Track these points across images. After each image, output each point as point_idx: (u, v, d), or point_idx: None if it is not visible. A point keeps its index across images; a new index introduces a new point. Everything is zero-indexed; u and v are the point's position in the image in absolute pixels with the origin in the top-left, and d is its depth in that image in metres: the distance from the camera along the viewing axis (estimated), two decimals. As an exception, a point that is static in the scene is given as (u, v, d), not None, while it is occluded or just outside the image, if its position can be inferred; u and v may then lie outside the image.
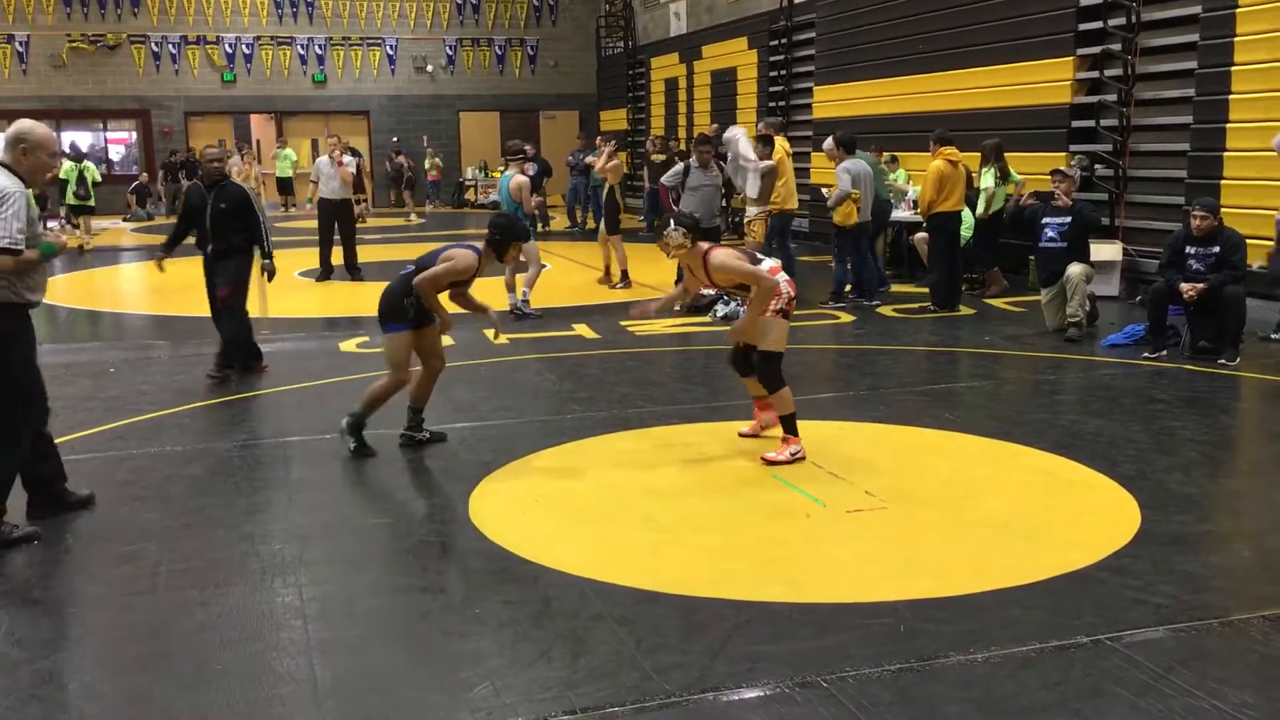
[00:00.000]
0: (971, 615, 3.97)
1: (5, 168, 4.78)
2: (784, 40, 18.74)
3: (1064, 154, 12.05)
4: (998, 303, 11.17)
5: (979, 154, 11.59)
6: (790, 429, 5.90)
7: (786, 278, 6.00)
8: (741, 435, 6.34)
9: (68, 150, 20.90)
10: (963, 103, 13.71)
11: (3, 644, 3.90)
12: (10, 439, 4.84)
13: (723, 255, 5.99)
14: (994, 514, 5.08)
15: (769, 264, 6.03)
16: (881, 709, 3.31)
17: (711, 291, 10.80)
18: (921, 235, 11.83)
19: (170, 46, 26.17)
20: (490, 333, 6.67)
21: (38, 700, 3.48)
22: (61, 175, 18.50)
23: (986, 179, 11.43)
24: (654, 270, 13.47)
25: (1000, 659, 3.62)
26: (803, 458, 5.82)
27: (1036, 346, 8.98)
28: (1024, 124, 12.67)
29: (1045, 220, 9.47)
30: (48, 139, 4.93)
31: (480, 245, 6.05)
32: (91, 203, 18.77)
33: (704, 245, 6.04)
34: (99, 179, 19.71)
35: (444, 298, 6.01)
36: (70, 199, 18.56)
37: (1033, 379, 8.03)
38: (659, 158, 19.16)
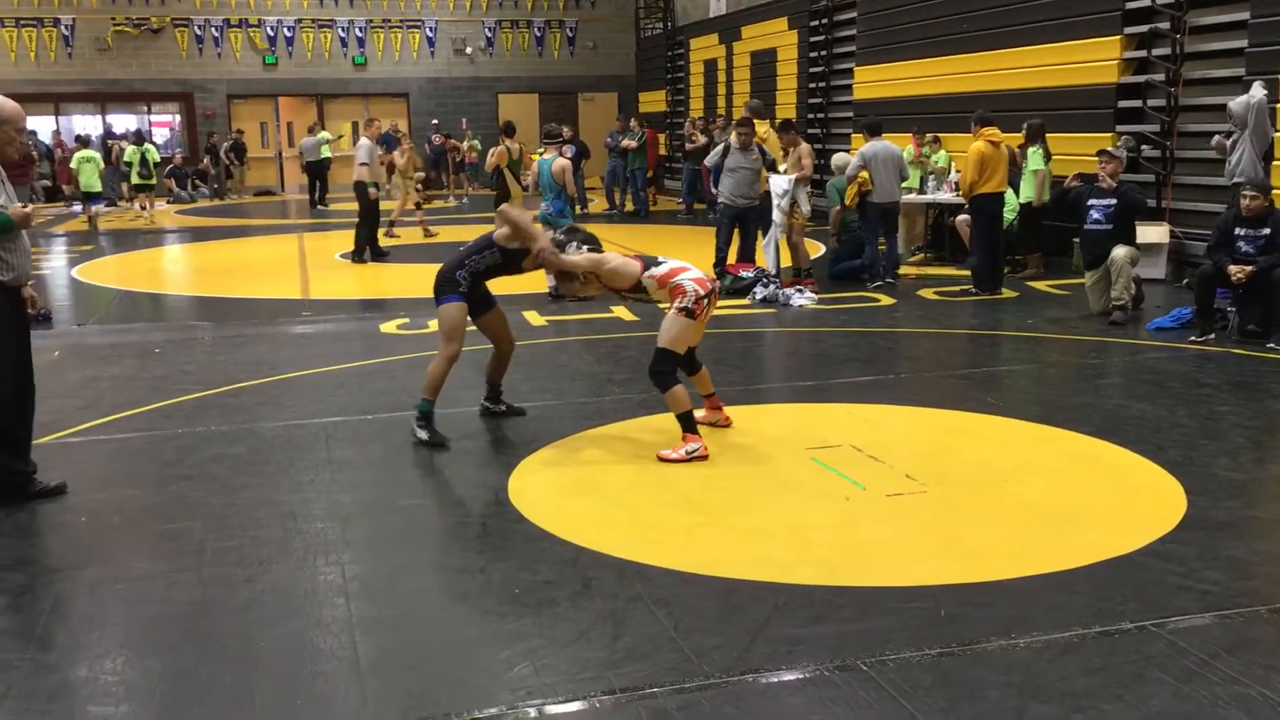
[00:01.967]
0: (1012, 600, 3.94)
1: None
2: (825, 20, 18.57)
3: (1110, 135, 11.86)
4: (1041, 285, 11.05)
5: (1022, 135, 11.46)
6: (687, 427, 5.70)
7: (696, 277, 5.78)
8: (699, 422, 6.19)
9: (128, 135, 22.42)
10: (1006, 83, 13.53)
11: (49, 619, 3.97)
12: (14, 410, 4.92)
13: (619, 264, 5.88)
14: (1036, 498, 5.03)
15: (669, 265, 5.85)
16: (921, 693, 3.29)
17: (750, 273, 10.79)
18: (963, 217, 11.73)
19: (213, 30, 26.35)
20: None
21: (85, 674, 3.54)
22: (126, 158, 20.40)
23: (1035, 160, 11.29)
24: (689, 253, 13.42)
25: (1042, 644, 3.59)
26: (703, 456, 5.60)
27: (1080, 330, 8.88)
28: (1069, 104, 12.48)
29: (1090, 202, 9.34)
30: (16, 114, 4.92)
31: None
32: (152, 181, 20.54)
33: (612, 255, 5.94)
34: (159, 160, 21.46)
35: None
36: (135, 179, 20.19)
37: (1076, 362, 7.94)
38: (699, 139, 19.10)
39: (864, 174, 11.06)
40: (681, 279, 5.76)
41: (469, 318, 6.13)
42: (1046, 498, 5.04)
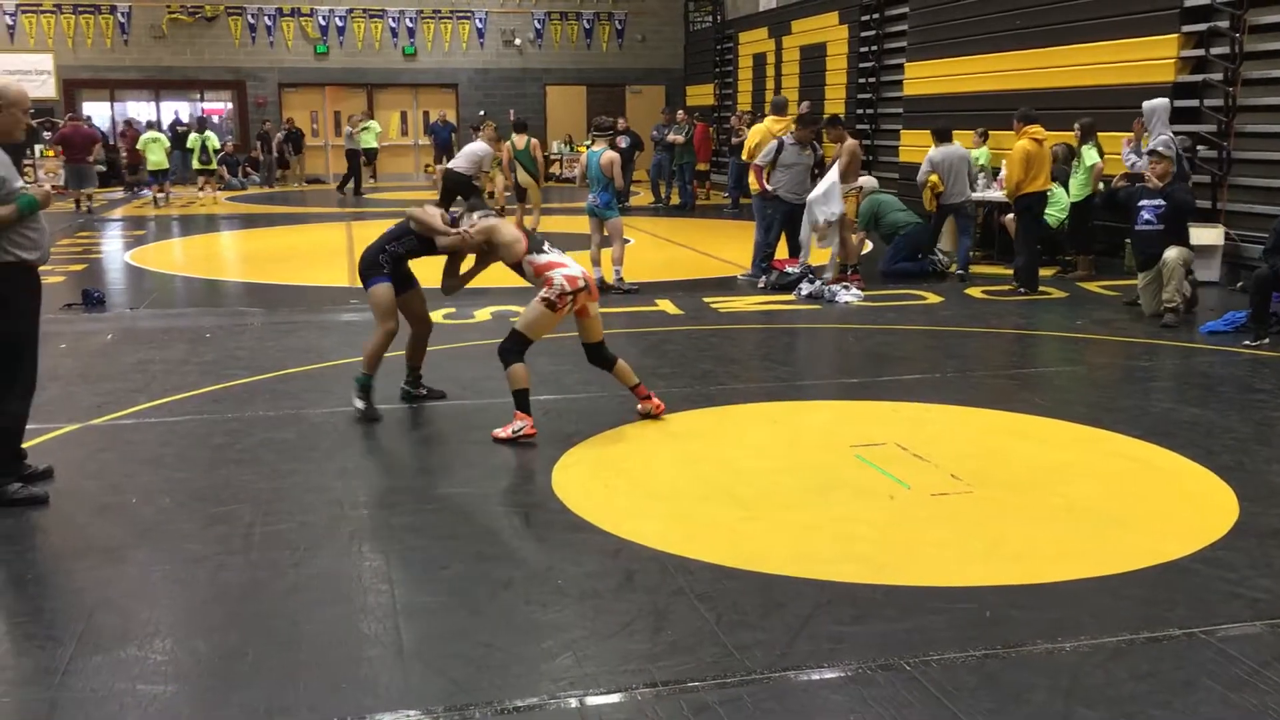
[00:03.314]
0: (1059, 603, 3.90)
1: None
2: (876, 15, 18.44)
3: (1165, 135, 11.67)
4: (1091, 286, 10.91)
5: (1074, 133, 11.32)
6: (520, 405, 5.90)
7: (570, 274, 5.95)
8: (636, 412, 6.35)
9: (191, 122, 23.90)
10: (1059, 80, 13.36)
11: (99, 599, 4.04)
12: (25, 390, 4.98)
13: (501, 226, 6.19)
14: (1083, 501, 4.98)
15: (550, 257, 6.05)
16: (965, 694, 3.27)
17: (796, 269, 10.74)
18: (1011, 216, 11.62)
19: (266, 19, 26.62)
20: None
21: (135, 653, 3.60)
22: (188, 144, 21.72)
23: (1090, 155, 11.15)
24: (735, 248, 13.41)
25: (1089, 648, 3.55)
26: (529, 435, 5.80)
27: (1131, 332, 8.76)
28: (1124, 103, 12.27)
29: (1142, 203, 9.21)
30: (21, 96, 4.99)
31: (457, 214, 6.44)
32: (213, 166, 21.87)
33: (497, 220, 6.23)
34: (219, 146, 22.84)
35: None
36: (196, 164, 21.52)
37: (1126, 365, 7.84)
38: (745, 134, 19.01)
39: (934, 177, 11.45)
40: (554, 272, 5.97)
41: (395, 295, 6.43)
42: (1094, 500, 4.99)
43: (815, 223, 10.42)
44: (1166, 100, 10.58)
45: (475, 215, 6.28)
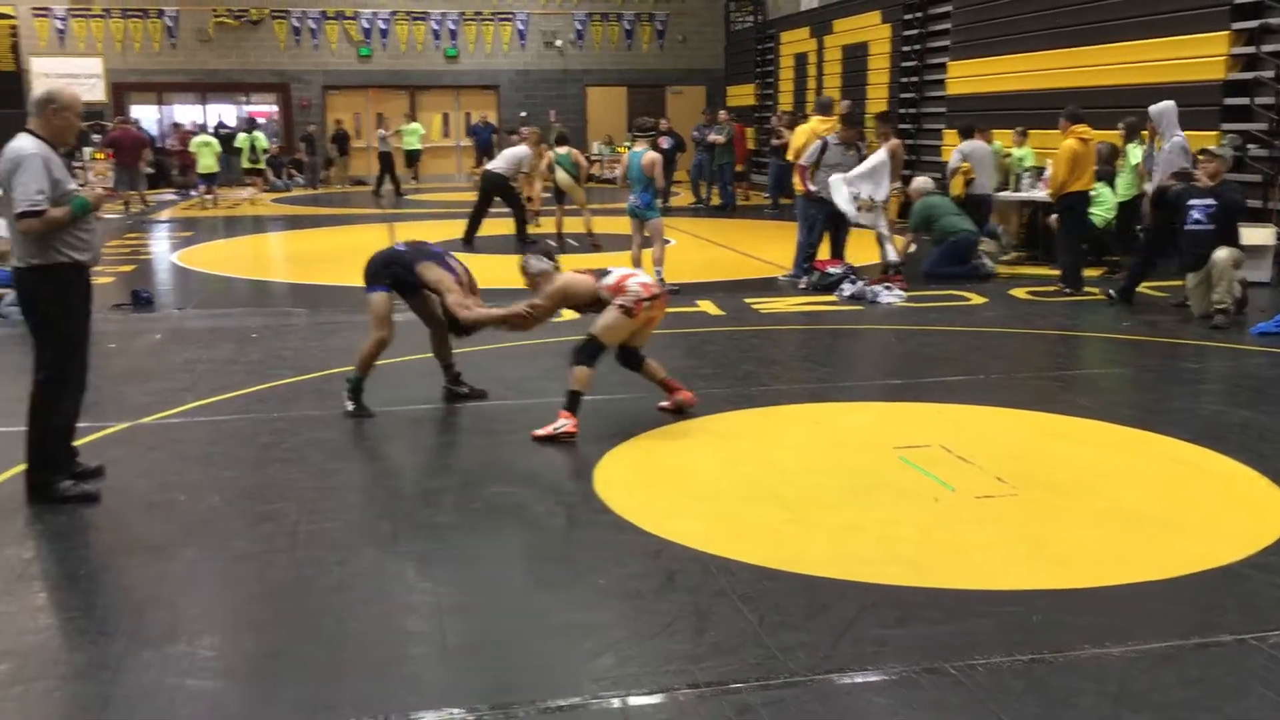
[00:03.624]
0: (1107, 607, 3.86)
1: (28, 132, 4.90)
2: (919, 14, 18.31)
3: (1214, 133, 11.51)
4: (1138, 287, 10.75)
5: (1119, 131, 11.19)
6: (570, 405, 5.89)
7: (643, 281, 6.04)
8: (660, 409, 6.35)
9: (235, 124, 24.87)
10: (1105, 79, 13.20)
11: (149, 595, 4.10)
12: (77, 389, 5.05)
13: (569, 280, 6.09)
14: (1131, 504, 4.92)
15: (618, 273, 6.08)
16: (1012, 699, 3.24)
17: (838, 270, 10.69)
18: (1056, 216, 11.50)
19: (310, 22, 26.89)
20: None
21: (184, 649, 3.64)
22: (237, 144, 22.55)
23: (1135, 155, 11.01)
24: (776, 248, 13.38)
25: (1137, 654, 3.51)
26: (571, 433, 5.78)
27: (1179, 333, 8.64)
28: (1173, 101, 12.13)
29: (1191, 202, 9.08)
30: (75, 100, 5.05)
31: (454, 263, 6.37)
32: (260, 165, 22.88)
33: (560, 275, 6.11)
34: (266, 146, 23.60)
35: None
36: (244, 163, 22.45)
37: (1174, 366, 7.73)
38: (787, 135, 18.94)
39: (966, 164, 12.33)
40: (628, 282, 6.02)
41: (402, 298, 6.51)
42: (1142, 504, 4.92)
43: (858, 195, 10.36)
44: (1172, 102, 10.57)
45: (534, 270, 6.10)
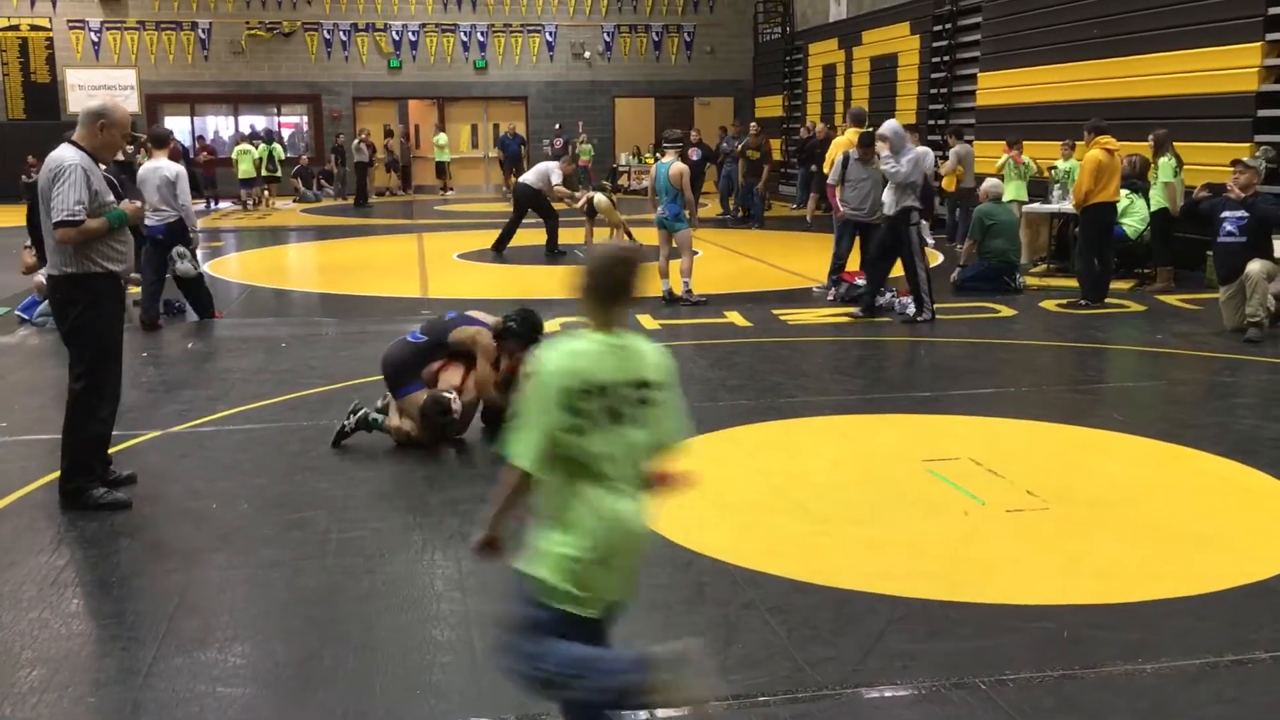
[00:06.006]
0: (1140, 623, 3.82)
1: (70, 143, 4.95)
2: (948, 25, 18.25)
3: (1248, 144, 11.41)
4: (1171, 300, 10.68)
5: (1148, 144, 11.10)
6: None
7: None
8: None
9: (255, 133, 25.35)
10: (1136, 90, 13.10)
11: (181, 601, 4.13)
12: (112, 397, 5.10)
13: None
14: (1163, 519, 4.87)
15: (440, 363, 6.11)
16: (1043, 715, 3.21)
17: (864, 282, 10.65)
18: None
19: (341, 34, 27.09)
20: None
21: (215, 656, 3.67)
22: (256, 154, 23.39)
23: (1166, 171, 10.92)
24: (804, 260, 13.36)
25: (1170, 670, 3.47)
26: None
27: (1212, 346, 8.56)
28: (1204, 112, 12.04)
29: (1224, 214, 9.00)
30: (126, 120, 5.13)
31: (489, 322, 6.23)
32: (278, 174, 24.30)
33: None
34: (284, 157, 24.87)
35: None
36: (264, 172, 23.63)
37: (1207, 380, 7.66)
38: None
39: (959, 167, 14.26)
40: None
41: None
42: (1175, 519, 4.88)
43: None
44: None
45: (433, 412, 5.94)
